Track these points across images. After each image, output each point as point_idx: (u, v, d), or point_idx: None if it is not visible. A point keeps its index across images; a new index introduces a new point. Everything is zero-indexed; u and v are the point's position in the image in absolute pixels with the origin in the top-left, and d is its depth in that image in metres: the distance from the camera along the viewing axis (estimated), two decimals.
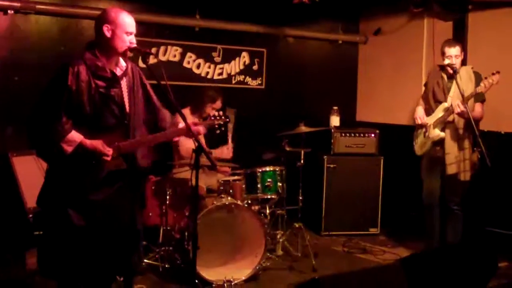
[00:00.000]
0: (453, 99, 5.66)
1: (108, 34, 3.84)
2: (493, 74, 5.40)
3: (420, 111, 6.00)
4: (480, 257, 3.85)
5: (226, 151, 5.99)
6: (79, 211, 3.81)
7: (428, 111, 5.95)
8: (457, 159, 5.71)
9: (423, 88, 6.22)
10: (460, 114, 5.53)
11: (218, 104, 6.04)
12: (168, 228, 5.68)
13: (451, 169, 5.73)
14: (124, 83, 3.98)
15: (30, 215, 5.40)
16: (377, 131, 7.35)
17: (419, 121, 5.94)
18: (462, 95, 5.46)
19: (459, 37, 6.65)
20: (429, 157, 5.97)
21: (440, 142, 5.82)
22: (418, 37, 7.46)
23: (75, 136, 3.75)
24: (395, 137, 7.30)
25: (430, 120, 5.88)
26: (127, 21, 3.88)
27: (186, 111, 5.95)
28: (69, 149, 3.72)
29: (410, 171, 6.40)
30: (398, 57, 7.79)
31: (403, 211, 7.30)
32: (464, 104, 5.39)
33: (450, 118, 5.69)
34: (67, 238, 3.85)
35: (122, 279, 4.35)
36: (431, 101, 5.93)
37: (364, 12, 8.32)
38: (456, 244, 5.78)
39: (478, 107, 5.69)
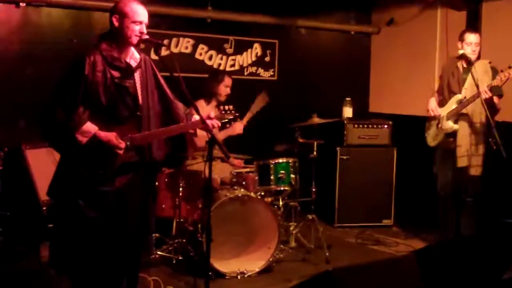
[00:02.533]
0: (467, 91, 5.62)
1: (116, 24, 3.84)
2: (509, 67, 5.33)
3: (433, 102, 5.95)
4: (495, 249, 3.83)
5: (238, 126, 5.98)
6: (90, 202, 3.81)
7: (442, 103, 5.91)
8: (468, 153, 5.66)
9: (437, 82, 6.16)
10: (486, 100, 5.46)
11: (228, 80, 6.08)
12: (181, 220, 5.68)
13: (461, 162, 5.68)
14: (137, 75, 3.98)
15: (44, 208, 5.42)
16: (390, 122, 7.32)
17: (431, 113, 5.90)
18: (477, 86, 5.41)
19: (473, 27, 6.58)
20: (443, 149, 5.94)
21: (453, 134, 5.78)
22: (431, 28, 7.40)
23: (90, 127, 3.75)
24: (408, 128, 7.25)
25: (443, 111, 5.83)
26: (135, 10, 3.85)
27: (201, 103, 5.96)
28: (83, 140, 3.73)
29: (424, 162, 6.37)
30: (411, 48, 7.73)
31: (417, 203, 7.26)
32: (491, 91, 5.36)
33: (465, 111, 5.65)
34: (78, 230, 3.87)
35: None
36: (445, 92, 5.88)
37: (377, 2, 8.26)
38: (471, 236, 5.75)
39: (495, 100, 5.63)
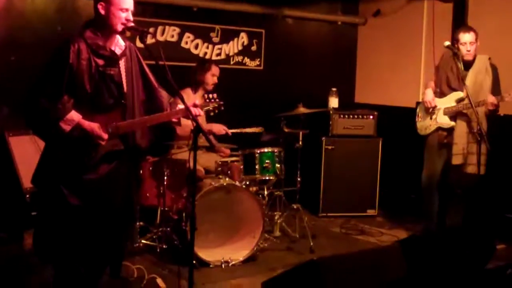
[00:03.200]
0: (469, 89, 5.52)
1: (102, 11, 3.80)
2: None
3: (430, 94, 5.92)
4: (478, 239, 3.86)
5: (219, 128, 5.94)
6: (74, 190, 3.79)
7: (440, 95, 5.89)
8: (464, 151, 5.66)
9: (423, 74, 6.15)
10: (490, 111, 5.51)
11: (215, 69, 6.06)
12: (166, 209, 5.66)
13: (456, 159, 5.70)
14: (122, 63, 3.95)
15: (27, 195, 5.39)
16: (376, 113, 7.32)
17: (428, 105, 5.87)
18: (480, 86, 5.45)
19: (459, 19, 6.60)
20: (436, 140, 5.92)
21: (446, 129, 5.79)
22: (417, 19, 7.42)
23: (74, 115, 3.72)
24: (394, 119, 7.28)
25: (441, 104, 5.82)
26: None
27: (188, 91, 5.93)
28: (67, 128, 3.70)
29: (409, 152, 6.40)
30: (397, 39, 7.75)
31: (401, 193, 7.30)
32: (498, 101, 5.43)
33: (465, 111, 5.63)
34: (62, 217, 3.83)
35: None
36: (443, 86, 5.85)
37: None
38: (455, 227, 5.79)
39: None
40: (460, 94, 5.70)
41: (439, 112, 5.83)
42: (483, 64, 5.69)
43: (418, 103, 6.24)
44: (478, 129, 5.25)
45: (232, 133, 6.02)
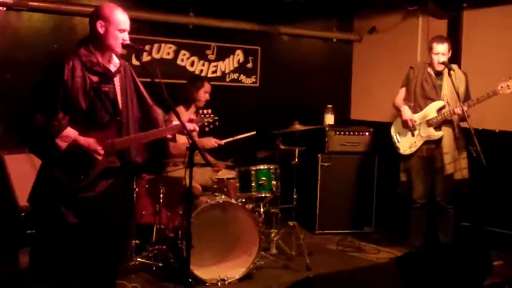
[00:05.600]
0: (447, 97, 5.64)
1: (101, 30, 3.83)
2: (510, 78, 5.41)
3: (408, 111, 5.93)
4: (475, 256, 3.84)
5: (210, 142, 5.89)
6: (72, 208, 3.78)
7: (415, 109, 5.92)
8: (454, 158, 5.71)
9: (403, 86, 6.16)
10: (461, 118, 5.54)
11: (207, 86, 6.08)
12: (162, 226, 5.65)
13: (449, 168, 5.72)
14: (117, 80, 3.97)
15: (22, 214, 5.36)
16: (371, 130, 7.34)
17: (410, 123, 5.88)
18: (457, 93, 5.48)
19: (454, 35, 6.64)
20: (420, 156, 5.93)
21: (434, 141, 5.81)
22: (412, 36, 7.44)
23: (70, 132, 3.73)
24: (390, 135, 7.27)
25: (421, 118, 5.84)
26: (120, 18, 3.87)
27: (180, 109, 5.93)
28: (63, 145, 3.71)
29: None
30: (392, 56, 7.77)
31: (398, 210, 7.28)
32: (467, 107, 5.48)
33: (450, 117, 5.67)
34: (59, 236, 3.83)
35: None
36: (419, 98, 5.89)
37: (359, 10, 8.30)
38: (451, 243, 5.79)
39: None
40: (441, 103, 5.75)
41: (421, 126, 5.85)
42: (456, 73, 5.75)
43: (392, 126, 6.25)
44: (473, 148, 5.31)
45: (226, 142, 5.99)
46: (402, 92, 6.11)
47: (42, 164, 3.89)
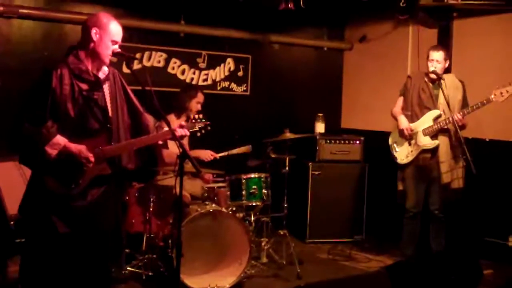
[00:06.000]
0: (443, 106, 5.65)
1: (94, 37, 3.82)
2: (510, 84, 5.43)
3: (405, 121, 5.95)
4: (465, 265, 3.85)
5: (207, 155, 5.94)
6: (63, 218, 3.75)
7: (412, 118, 5.94)
8: (451, 167, 5.71)
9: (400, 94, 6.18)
10: (460, 127, 5.55)
11: (201, 96, 6.06)
12: (152, 235, 5.63)
13: (446, 178, 5.73)
14: (106, 87, 3.95)
15: (12, 222, 5.32)
16: (362, 138, 7.35)
17: (406, 132, 5.90)
18: (448, 103, 5.50)
19: (444, 44, 6.66)
20: (415, 166, 5.95)
21: (430, 150, 5.82)
22: (403, 45, 7.47)
23: (60, 139, 3.70)
24: (380, 144, 7.27)
25: (418, 127, 5.86)
26: (115, 30, 3.89)
27: (171, 117, 5.93)
28: (53, 152, 3.68)
29: (395, 178, 6.39)
30: (383, 64, 7.79)
31: (388, 219, 7.29)
32: (462, 115, 5.49)
33: (446, 126, 5.68)
34: (50, 245, 3.79)
35: None
36: (415, 107, 5.91)
37: (350, 19, 8.33)
38: (441, 252, 5.79)
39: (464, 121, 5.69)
40: (437, 112, 5.76)
41: (417, 135, 5.86)
42: (452, 82, 5.81)
43: (390, 135, 6.27)
44: (464, 157, 5.33)
45: (221, 157, 6.00)
46: (400, 101, 6.14)
47: (32, 174, 3.86)
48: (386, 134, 6.99)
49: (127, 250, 5.65)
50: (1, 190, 5.46)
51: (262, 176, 5.83)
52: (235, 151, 6.10)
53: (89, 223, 3.85)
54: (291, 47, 8.10)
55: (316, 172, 7.13)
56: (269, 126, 6.76)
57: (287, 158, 6.19)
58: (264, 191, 5.82)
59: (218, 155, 5.97)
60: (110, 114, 3.92)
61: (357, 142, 7.33)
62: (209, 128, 4.27)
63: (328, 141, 7.26)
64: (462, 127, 5.63)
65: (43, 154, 3.67)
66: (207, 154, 5.93)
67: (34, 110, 3.69)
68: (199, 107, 6.01)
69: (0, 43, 6.01)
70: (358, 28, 8.20)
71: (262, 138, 6.30)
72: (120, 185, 4.18)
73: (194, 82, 7.17)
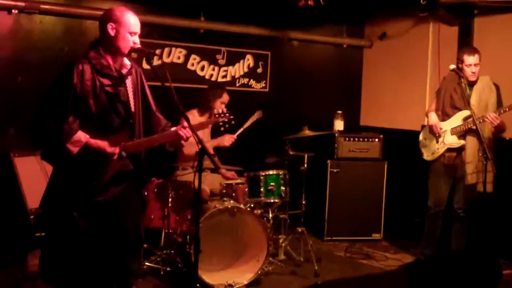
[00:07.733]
0: (475, 108, 5.56)
1: (112, 33, 3.81)
2: None
3: (434, 117, 5.92)
4: (485, 264, 3.82)
5: (228, 139, 5.95)
6: (84, 213, 3.76)
7: (443, 117, 5.90)
8: (478, 169, 5.64)
9: (429, 97, 6.15)
10: (496, 127, 5.49)
11: (225, 97, 6.07)
12: (170, 231, 5.64)
13: (471, 179, 5.66)
14: (129, 82, 3.94)
15: (32, 216, 5.37)
16: (381, 136, 7.31)
17: (434, 129, 5.86)
18: (468, 102, 5.46)
19: (465, 41, 6.62)
20: (441, 163, 5.91)
21: (456, 149, 5.78)
22: (423, 42, 7.43)
23: (81, 136, 3.71)
24: (399, 142, 7.27)
25: (446, 126, 5.82)
26: (131, 21, 3.85)
27: (194, 113, 5.95)
28: (75, 150, 3.68)
29: (414, 176, 6.37)
30: (403, 62, 7.75)
31: (407, 217, 7.26)
32: (499, 116, 5.42)
33: (474, 127, 5.62)
34: (71, 240, 3.81)
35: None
36: (447, 107, 5.86)
37: (369, 16, 8.29)
38: (460, 251, 5.75)
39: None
40: (466, 113, 5.70)
41: (445, 133, 5.83)
42: (487, 84, 5.74)
43: (422, 127, 6.23)
44: (483, 149, 5.26)
45: (238, 134, 6.00)
46: (435, 101, 6.11)
47: (54, 170, 3.87)
48: (406, 132, 6.99)
49: (145, 246, 5.67)
50: (22, 185, 5.52)
51: (281, 173, 5.83)
52: (248, 123, 6.08)
53: (110, 218, 3.86)
54: (311, 44, 8.08)
55: (335, 170, 7.11)
56: (288, 123, 6.75)
57: (306, 155, 6.18)
58: (282, 188, 5.82)
59: (235, 135, 5.97)
60: (132, 109, 3.92)
61: (376, 140, 7.29)
62: (233, 122, 4.27)
63: (347, 139, 7.23)
64: (500, 129, 5.57)
65: (64, 151, 3.68)
66: (229, 139, 5.93)
67: (55, 107, 3.68)
68: (223, 107, 6.00)
69: (21, 39, 6.06)
70: (378, 25, 8.16)
71: (281, 135, 6.30)
72: (142, 181, 4.18)
73: (213, 79, 7.18)
